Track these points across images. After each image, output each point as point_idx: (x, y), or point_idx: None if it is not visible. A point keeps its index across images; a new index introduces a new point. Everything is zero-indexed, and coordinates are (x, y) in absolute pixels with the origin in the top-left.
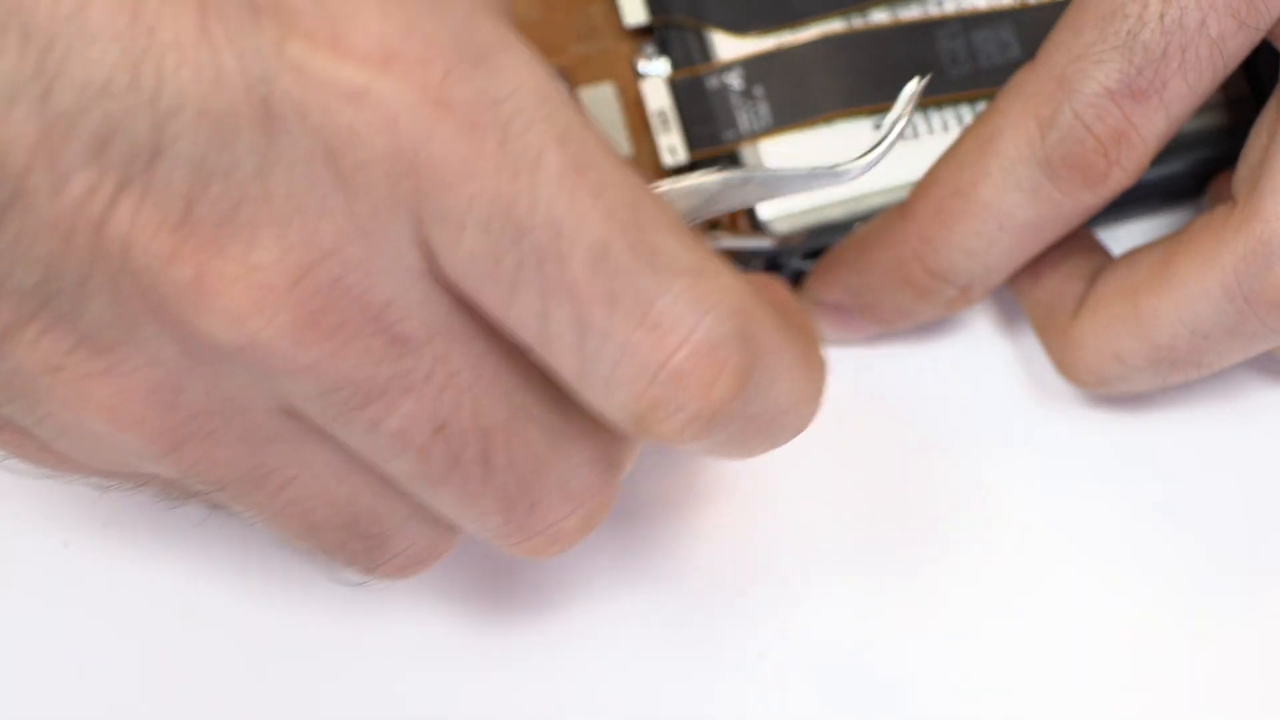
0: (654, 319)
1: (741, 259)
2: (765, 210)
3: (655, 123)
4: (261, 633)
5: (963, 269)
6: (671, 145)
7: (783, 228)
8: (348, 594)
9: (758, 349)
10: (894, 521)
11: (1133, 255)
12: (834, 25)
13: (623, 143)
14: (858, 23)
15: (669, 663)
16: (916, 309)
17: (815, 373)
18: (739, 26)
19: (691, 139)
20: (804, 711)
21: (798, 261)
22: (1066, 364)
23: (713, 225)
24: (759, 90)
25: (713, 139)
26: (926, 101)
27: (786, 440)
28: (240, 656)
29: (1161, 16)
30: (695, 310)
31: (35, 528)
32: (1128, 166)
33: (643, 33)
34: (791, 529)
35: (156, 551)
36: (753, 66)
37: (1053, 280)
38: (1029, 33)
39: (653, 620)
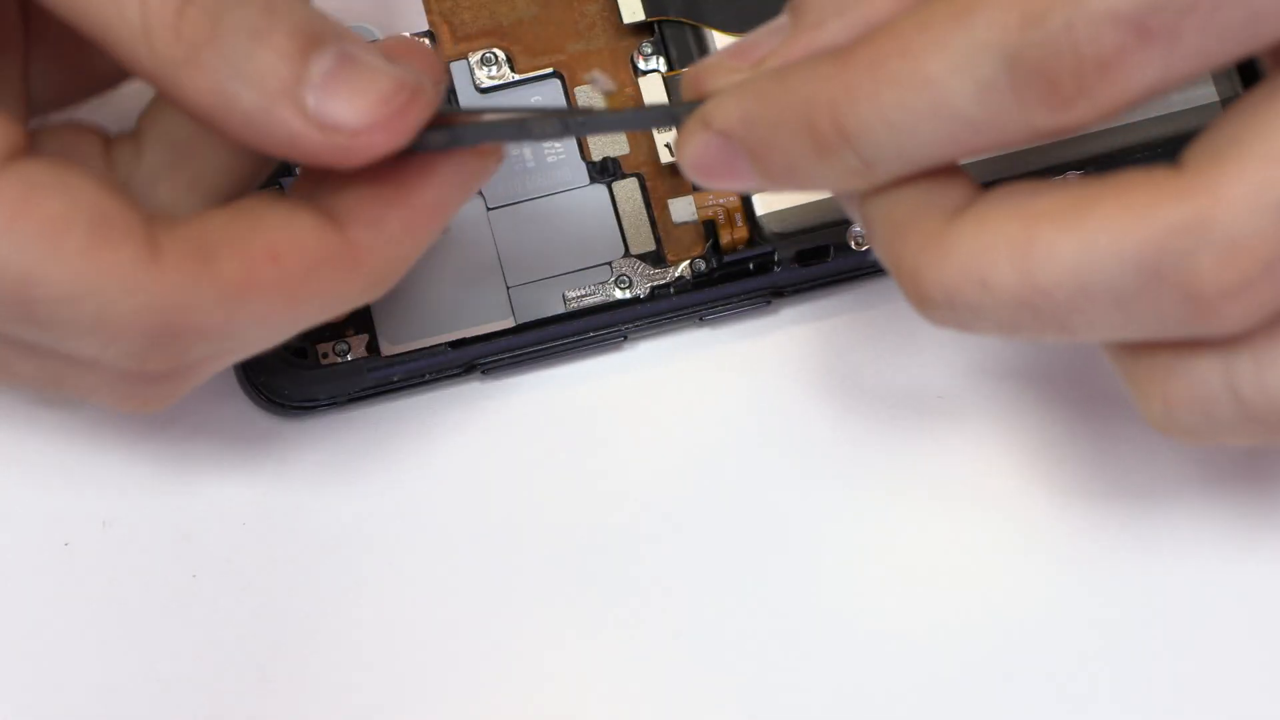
0: None
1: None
2: (760, 207)
3: None
4: (261, 632)
5: (873, 139)
6: (669, 142)
7: (775, 227)
8: (346, 595)
9: None
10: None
11: (1040, 182)
12: None
13: (620, 140)
14: None
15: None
16: (806, 168)
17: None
18: (736, 25)
19: None
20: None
21: (789, 270)
22: (918, 271)
23: (712, 226)
24: None
25: None
26: None
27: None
28: (240, 656)
29: None
30: None
31: (35, 528)
32: (1096, 104)
33: (640, 30)
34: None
35: (156, 551)
36: None
37: (935, 171)
38: None
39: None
